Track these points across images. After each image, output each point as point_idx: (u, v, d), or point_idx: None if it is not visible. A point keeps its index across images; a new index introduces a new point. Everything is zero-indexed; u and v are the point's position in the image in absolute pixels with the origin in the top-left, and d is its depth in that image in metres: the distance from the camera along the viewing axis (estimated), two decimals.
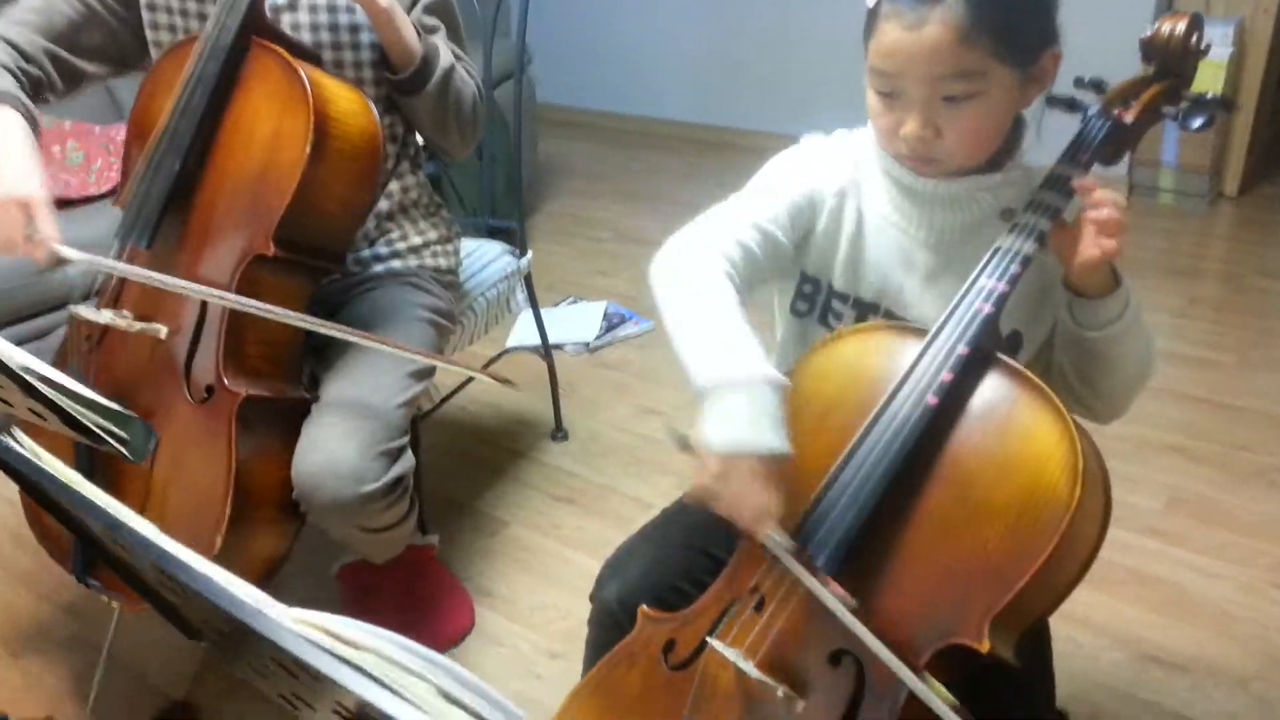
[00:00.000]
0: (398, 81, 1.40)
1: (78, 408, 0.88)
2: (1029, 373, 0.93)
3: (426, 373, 1.46)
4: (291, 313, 1.21)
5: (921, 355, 0.96)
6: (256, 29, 1.31)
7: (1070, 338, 1.05)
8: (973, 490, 0.92)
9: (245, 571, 1.28)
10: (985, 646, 0.87)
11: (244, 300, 1.20)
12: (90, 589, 1.36)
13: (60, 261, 1.24)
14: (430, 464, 1.84)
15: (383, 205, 1.53)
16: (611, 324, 2.71)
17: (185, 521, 1.28)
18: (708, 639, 0.97)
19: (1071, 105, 1.05)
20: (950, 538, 0.92)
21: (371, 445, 1.30)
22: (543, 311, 2.80)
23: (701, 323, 0.98)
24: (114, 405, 0.97)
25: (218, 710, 1.58)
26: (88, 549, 1.34)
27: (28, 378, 0.83)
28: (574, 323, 2.72)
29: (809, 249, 1.12)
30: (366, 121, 1.33)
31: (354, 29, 1.43)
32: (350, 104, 1.31)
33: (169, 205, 1.29)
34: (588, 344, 2.63)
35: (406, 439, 1.38)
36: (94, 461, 1.31)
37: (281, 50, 1.29)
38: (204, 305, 1.29)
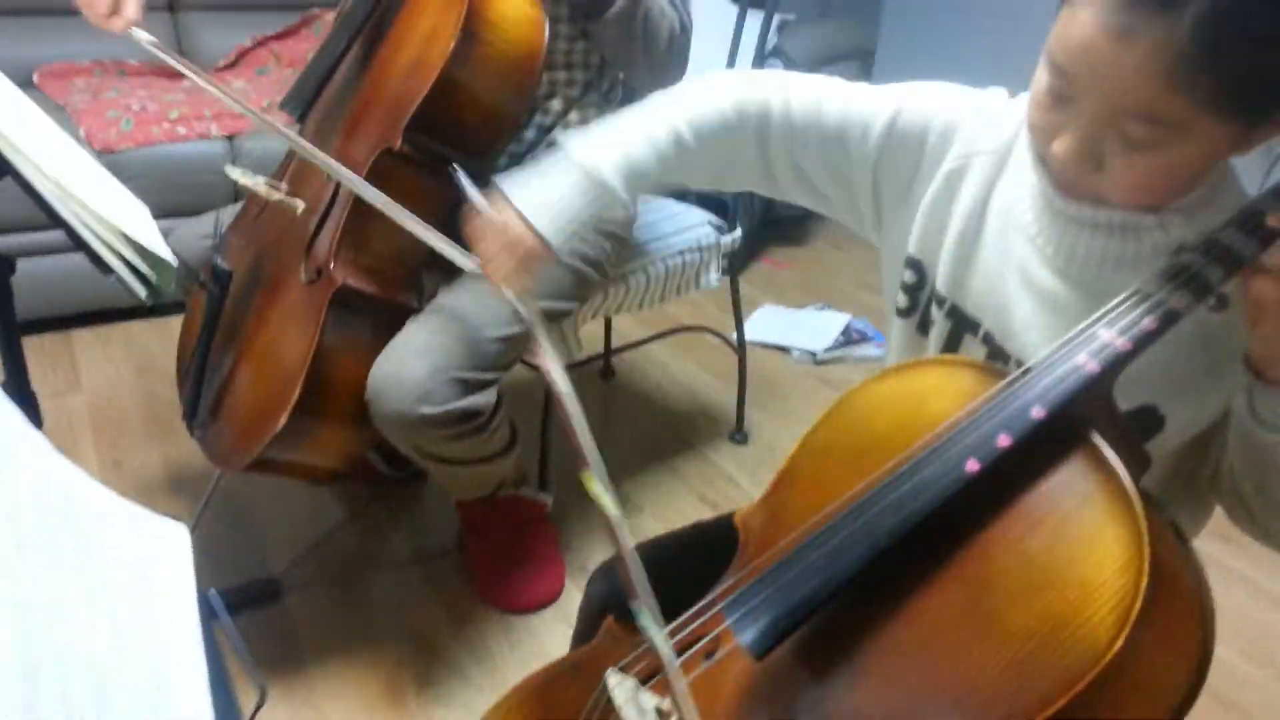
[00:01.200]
0: (578, 4, 1.32)
1: (98, 233, 0.88)
2: (1119, 466, 0.67)
3: (544, 315, 1.37)
4: (393, 204, 1.16)
5: (989, 408, 0.72)
6: None
7: (1246, 438, 0.76)
8: (987, 599, 0.67)
9: (307, 460, 1.30)
10: None
11: (353, 177, 1.16)
12: (194, 438, 1.42)
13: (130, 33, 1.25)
14: (594, 428, 1.77)
15: (559, 135, 1.46)
16: (850, 339, 2.48)
17: (264, 389, 1.30)
18: (608, 673, 0.80)
19: None
20: (941, 651, 0.68)
21: (447, 368, 1.24)
22: (784, 311, 2.67)
23: (637, 110, 0.93)
24: (154, 248, 0.98)
25: (302, 597, 1.61)
26: (196, 397, 1.39)
27: (50, 199, 0.84)
28: (811, 329, 2.53)
29: (909, 217, 0.89)
30: (530, 32, 1.25)
31: None
32: (516, 11, 1.25)
33: (327, 82, 1.29)
34: (815, 354, 2.43)
35: (495, 375, 1.30)
36: (218, 319, 1.36)
37: None
38: (336, 189, 1.29)
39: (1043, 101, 0.75)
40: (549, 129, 1.46)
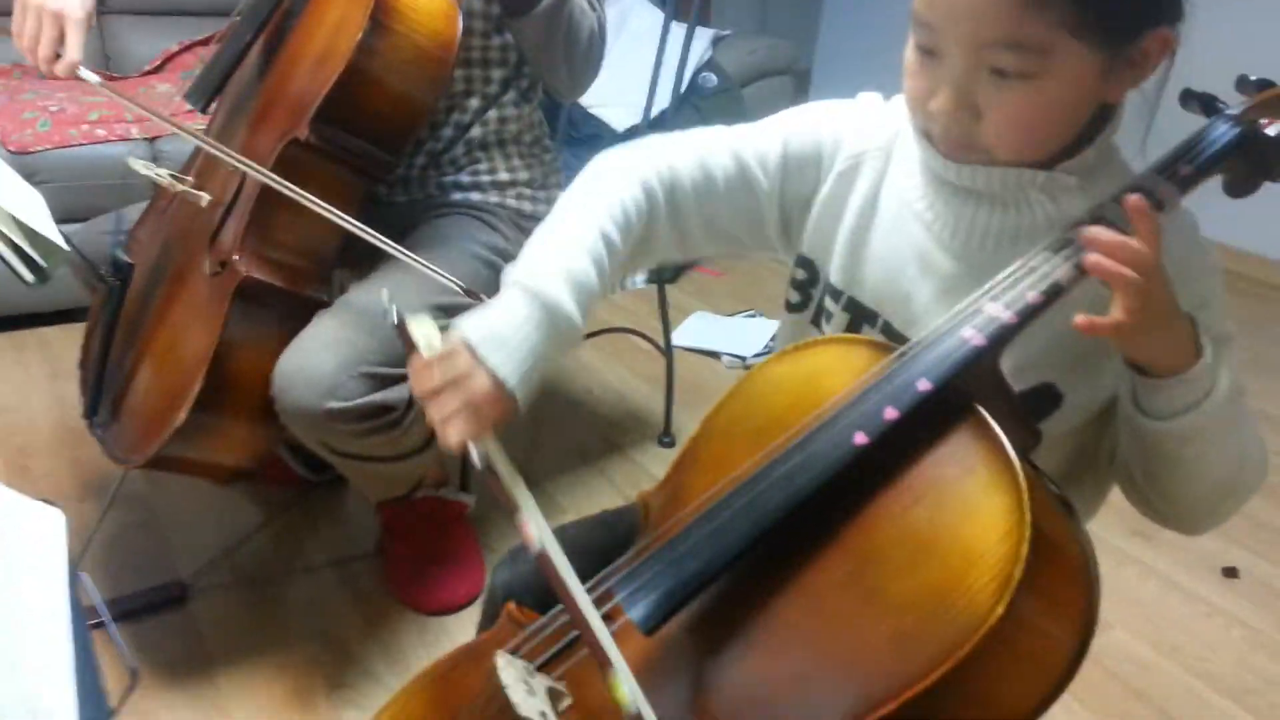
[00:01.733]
0: (504, 1, 1.31)
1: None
2: (1002, 437, 0.67)
3: (454, 309, 1.35)
4: (302, 193, 1.14)
5: (878, 382, 0.72)
6: None
7: (1131, 424, 0.77)
8: (872, 571, 0.67)
9: (210, 458, 1.27)
10: None
11: (253, 165, 1.14)
12: (94, 436, 1.37)
13: (80, 78, 1.23)
14: (518, 434, 1.76)
15: (476, 133, 1.45)
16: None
17: (165, 384, 1.26)
18: (497, 654, 0.78)
19: (1207, 105, 0.76)
20: (827, 624, 0.68)
21: (355, 362, 1.21)
22: (715, 318, 2.68)
23: (555, 223, 0.86)
24: (44, 231, 0.95)
25: (210, 600, 1.57)
26: (97, 393, 1.35)
27: None
28: (741, 335, 2.53)
29: (807, 220, 0.89)
30: (441, 24, 1.24)
31: None
32: (428, 2, 1.23)
33: (231, 74, 1.27)
34: (744, 359, 2.43)
35: (406, 370, 1.27)
36: (118, 312, 1.32)
37: None
38: (242, 181, 1.26)
39: (914, 67, 0.76)
40: (467, 127, 1.45)
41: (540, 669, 0.78)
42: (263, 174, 1.15)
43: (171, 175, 1.30)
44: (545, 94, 1.54)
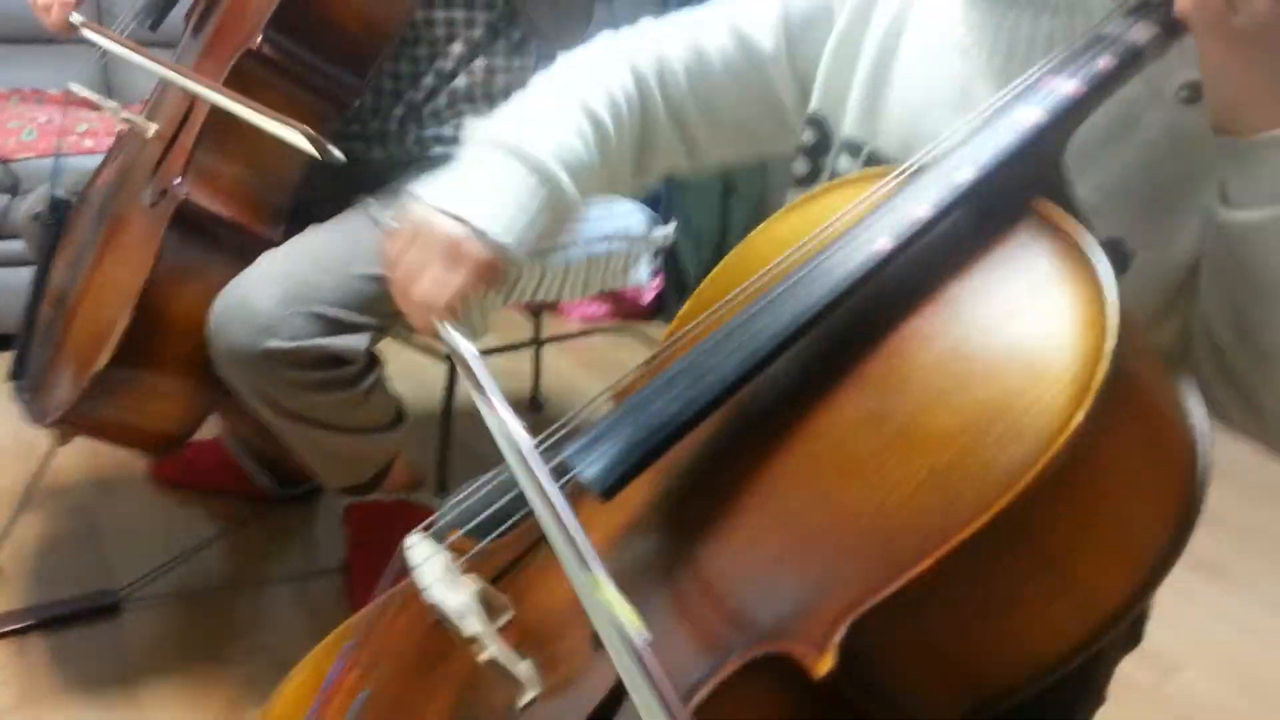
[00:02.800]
0: None
1: None
2: (1076, 227, 0.50)
3: None
4: (247, 100, 1.01)
5: (906, 187, 0.56)
6: None
7: (1219, 239, 0.59)
8: (902, 404, 0.50)
9: (128, 417, 1.11)
10: (823, 666, 0.44)
11: (196, 77, 1.01)
12: (19, 401, 1.22)
13: (71, 27, 1.14)
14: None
15: (461, 83, 1.32)
16: None
17: (87, 333, 1.11)
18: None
19: None
20: (840, 473, 0.50)
21: (300, 300, 1.06)
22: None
23: (531, 99, 0.75)
24: None
25: (144, 613, 1.38)
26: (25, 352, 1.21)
27: None
28: None
29: (817, 73, 0.74)
30: None
31: None
32: None
33: None
34: None
35: (367, 320, 1.12)
36: (51, 258, 1.18)
37: None
38: (190, 106, 1.13)
39: None
40: (450, 76, 1.32)
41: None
42: (199, 83, 1.03)
43: (117, 105, 1.17)
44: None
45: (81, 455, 1.72)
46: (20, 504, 1.29)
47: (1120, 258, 0.64)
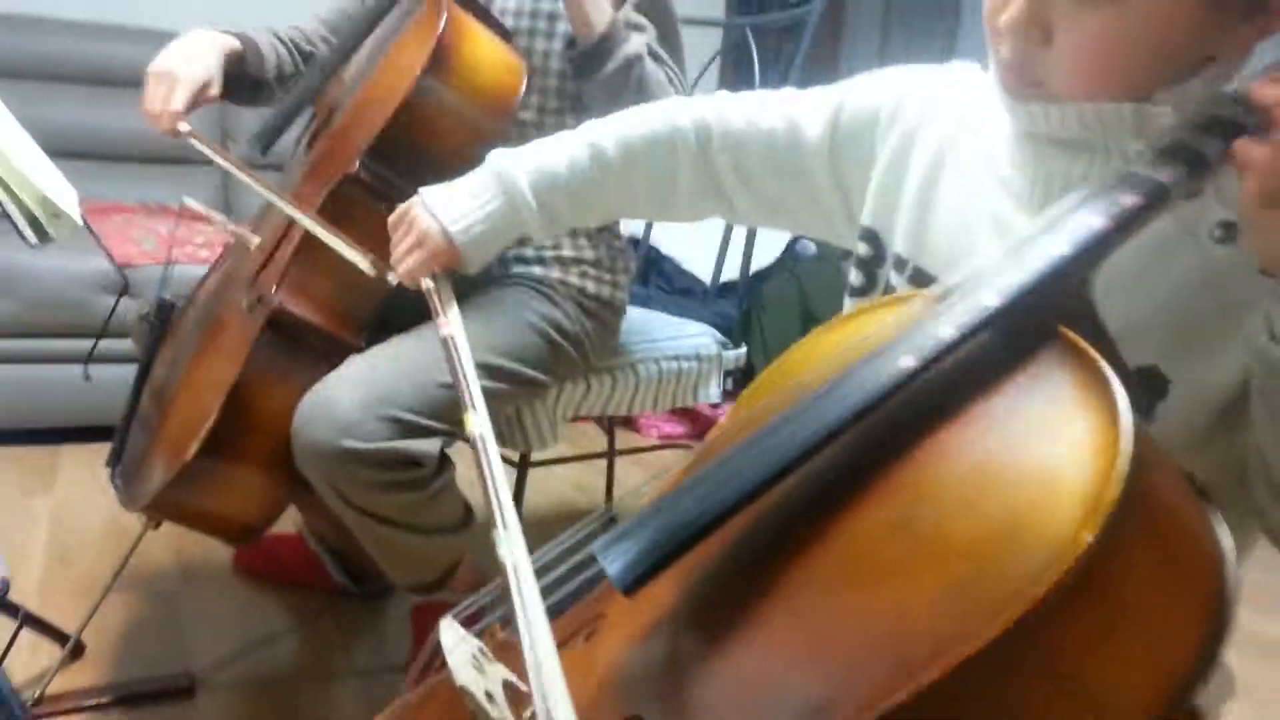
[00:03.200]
0: (572, 60, 1.29)
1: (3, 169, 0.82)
2: (1096, 356, 0.52)
3: (505, 374, 1.27)
4: (327, 225, 1.10)
5: (938, 310, 0.59)
6: None
7: (1270, 373, 0.60)
8: (924, 514, 0.51)
9: (212, 505, 1.17)
10: None
11: (282, 196, 1.10)
12: (113, 485, 1.30)
13: (177, 133, 1.25)
14: None
15: None
16: None
17: (179, 425, 1.19)
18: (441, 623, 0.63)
19: None
20: (863, 578, 0.51)
21: (379, 404, 1.12)
22: None
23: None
24: (58, 201, 0.92)
25: (217, 697, 1.42)
26: (123, 440, 1.29)
27: None
28: None
29: (869, 187, 0.78)
30: (504, 77, 1.23)
31: (552, 18, 1.36)
32: (493, 54, 1.23)
33: (294, 117, 1.27)
34: None
35: (441, 426, 1.17)
36: (153, 356, 1.28)
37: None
38: (290, 223, 1.22)
39: None
40: None
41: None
42: (283, 200, 1.12)
43: (225, 219, 1.28)
44: None
45: (170, 541, 1.81)
46: (109, 585, 1.35)
47: (1157, 384, 0.66)
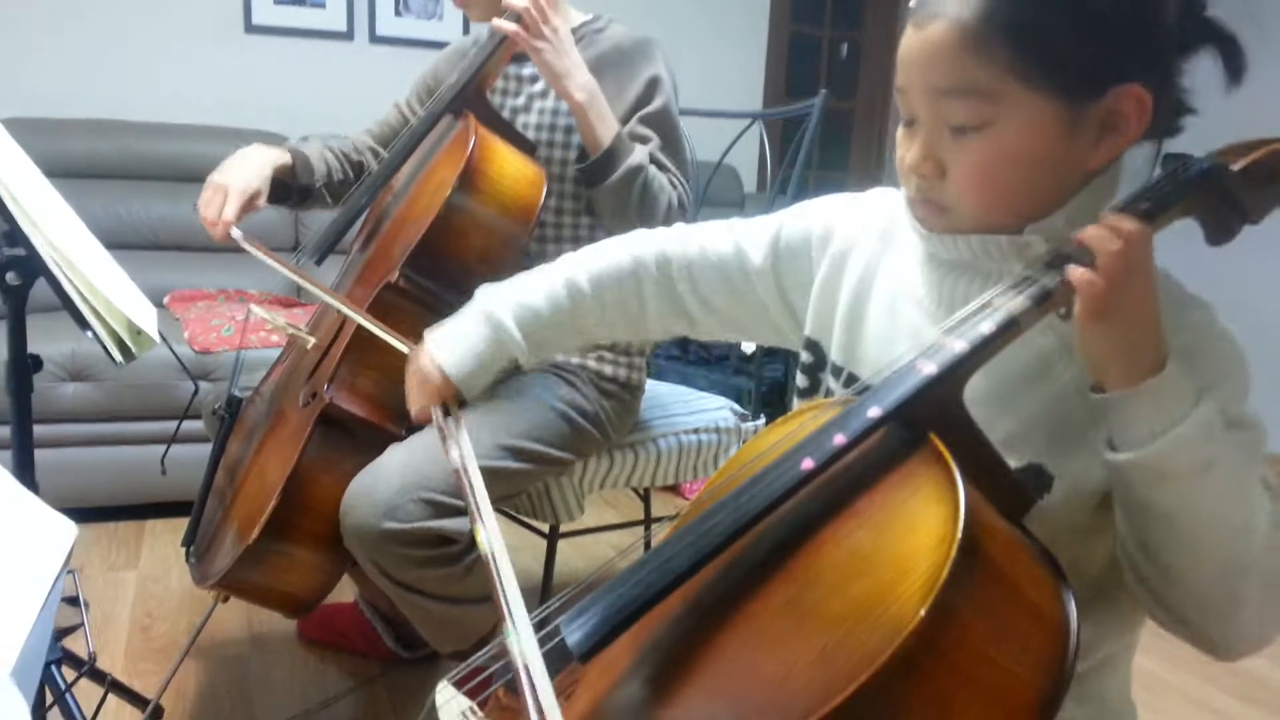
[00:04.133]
0: (581, 170, 1.45)
1: (84, 291, 0.99)
2: (949, 458, 0.64)
3: (529, 455, 1.40)
4: (376, 322, 1.25)
5: (836, 417, 0.71)
6: (473, 106, 1.45)
7: (1114, 475, 0.72)
8: (810, 593, 0.64)
9: (272, 582, 1.32)
10: None
11: (340, 299, 1.27)
12: (188, 563, 1.46)
13: (229, 238, 1.43)
14: None
15: None
16: None
17: (244, 510, 1.34)
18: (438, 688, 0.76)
19: (1177, 159, 0.75)
20: (762, 650, 0.64)
21: (416, 488, 1.27)
22: None
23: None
24: (139, 321, 1.09)
25: None
26: (196, 522, 1.46)
27: (48, 262, 0.97)
28: None
29: (808, 302, 0.91)
30: (526, 190, 1.38)
31: (569, 130, 1.52)
32: (516, 169, 1.38)
33: (343, 233, 1.44)
34: None
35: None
36: (224, 445, 1.45)
37: (473, 117, 1.40)
38: (341, 324, 1.39)
39: (899, 137, 0.79)
40: None
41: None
42: (349, 308, 1.28)
43: (286, 323, 1.45)
44: None
45: (241, 610, 1.98)
46: (184, 652, 1.51)
47: (1043, 480, 0.77)
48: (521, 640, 0.75)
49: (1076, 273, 0.66)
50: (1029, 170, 0.74)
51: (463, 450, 0.94)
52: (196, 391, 1.56)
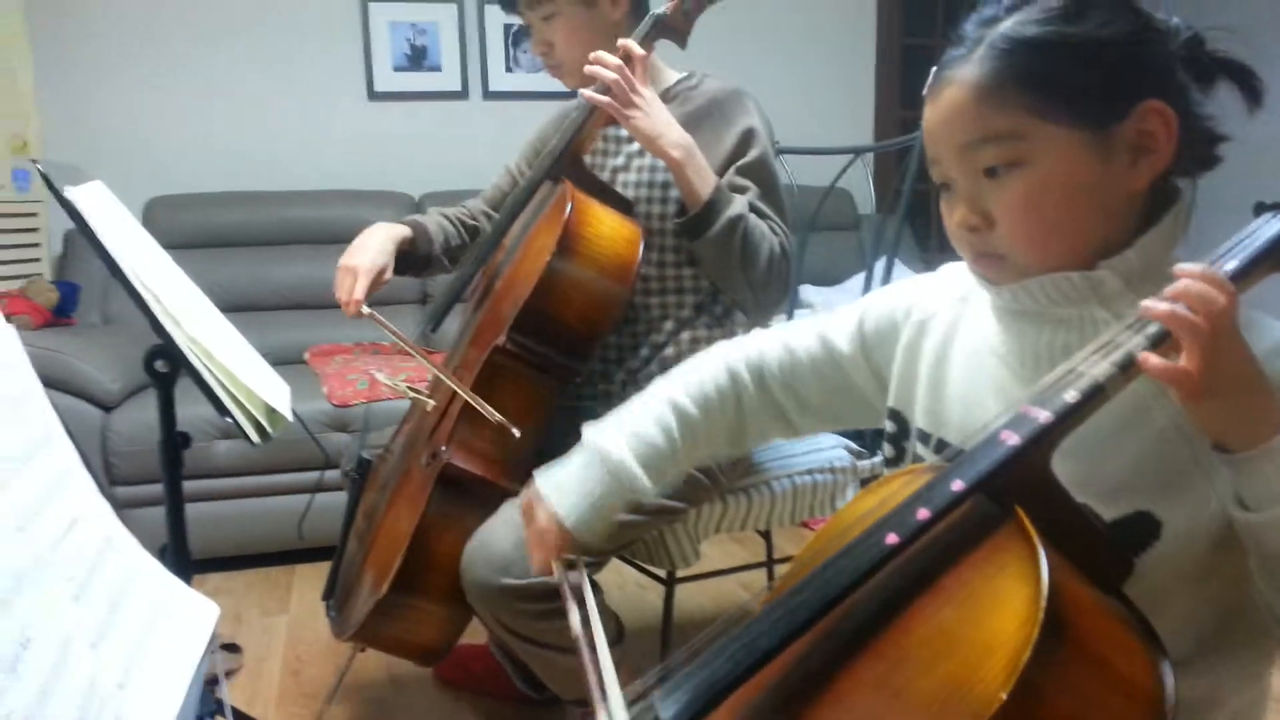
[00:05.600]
0: (682, 224, 1.48)
1: (222, 379, 1.08)
2: (1033, 533, 0.64)
3: (641, 507, 1.44)
4: (476, 399, 1.31)
5: (921, 490, 0.72)
6: (570, 172, 1.51)
7: (1244, 531, 0.71)
8: (900, 671, 0.65)
9: (402, 634, 1.39)
10: None
11: (450, 377, 1.34)
12: (328, 616, 1.55)
13: (361, 315, 1.52)
14: None
15: (669, 352, 1.58)
16: None
17: (376, 565, 1.42)
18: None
19: (1266, 208, 0.73)
20: None
21: None
22: None
23: (639, 396, 1.01)
24: (272, 401, 1.18)
25: None
26: (334, 577, 1.55)
27: (181, 343, 1.07)
28: None
29: (891, 376, 0.91)
30: (624, 249, 1.43)
31: (666, 186, 1.56)
32: (612, 230, 1.43)
33: (456, 300, 1.52)
34: None
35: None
36: (357, 504, 1.54)
37: (570, 184, 1.46)
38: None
39: (943, 209, 0.81)
40: (661, 347, 1.59)
41: None
42: (451, 381, 1.35)
43: (407, 385, 1.53)
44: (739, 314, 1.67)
45: (382, 655, 2.07)
46: (330, 695, 1.60)
47: (1151, 526, 0.75)
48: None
49: (1160, 365, 0.65)
50: (1071, 200, 0.74)
51: (589, 612, 0.87)
52: (324, 472, 1.66)
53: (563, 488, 0.96)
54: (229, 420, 1.09)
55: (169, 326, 1.05)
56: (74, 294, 2.97)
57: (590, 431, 0.99)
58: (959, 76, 0.74)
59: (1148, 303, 0.66)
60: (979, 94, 0.73)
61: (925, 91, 0.78)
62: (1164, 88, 0.73)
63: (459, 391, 1.34)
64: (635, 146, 1.60)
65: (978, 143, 0.74)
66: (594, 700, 0.76)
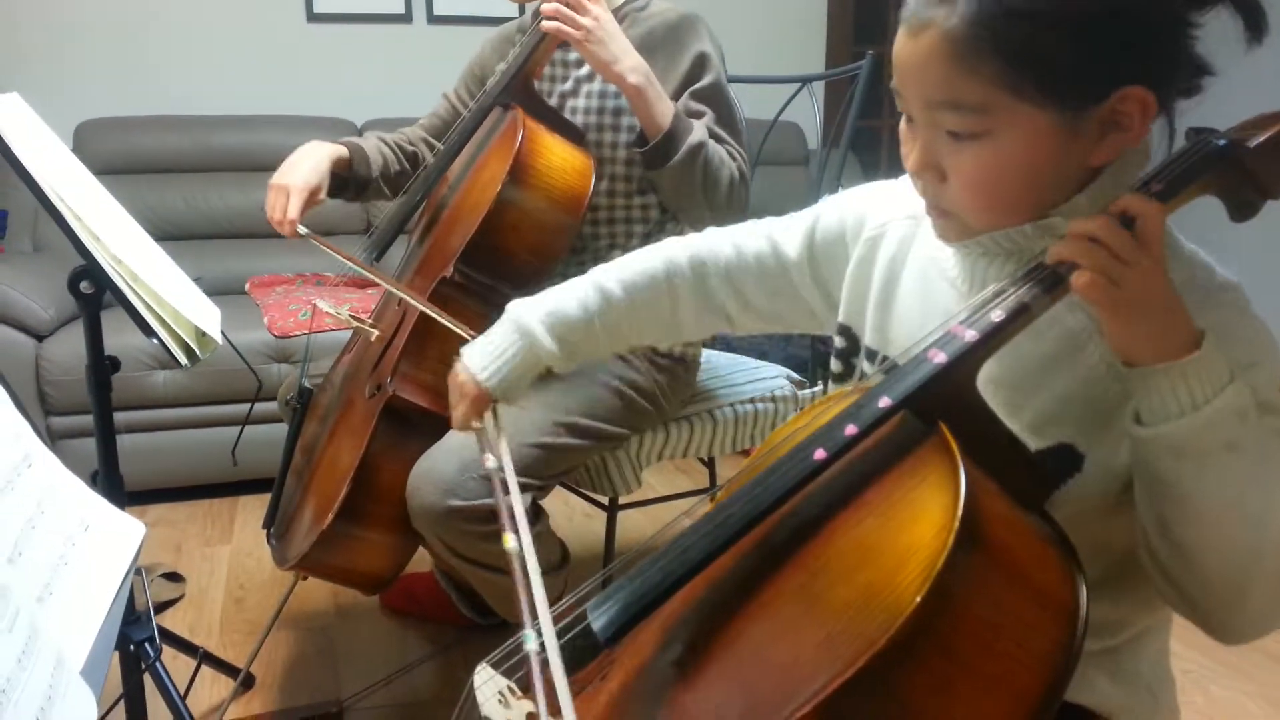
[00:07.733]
0: (643, 154, 1.46)
1: (148, 300, 1.06)
2: (954, 446, 0.65)
3: (584, 431, 1.44)
4: (446, 316, 1.30)
5: (851, 407, 0.73)
6: (520, 99, 1.48)
7: (1136, 453, 0.73)
8: (819, 581, 0.66)
9: (348, 561, 1.39)
10: None
11: (406, 290, 1.32)
12: (269, 545, 1.55)
13: (297, 235, 1.49)
14: None
15: None
16: None
17: (319, 495, 1.42)
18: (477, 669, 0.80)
19: (1199, 134, 0.73)
20: (773, 636, 0.67)
21: (475, 467, 1.32)
22: None
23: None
24: (202, 324, 1.16)
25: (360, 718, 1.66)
26: (275, 507, 1.54)
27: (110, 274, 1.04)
28: None
29: (841, 291, 0.92)
30: (575, 180, 1.41)
31: (617, 113, 1.53)
32: (564, 161, 1.41)
33: (400, 230, 1.49)
34: None
35: (531, 480, 1.37)
36: (298, 434, 1.52)
37: (520, 110, 1.43)
38: (402, 317, 1.44)
39: (903, 134, 0.79)
40: None
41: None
42: (410, 296, 1.33)
43: (350, 315, 1.51)
44: None
45: (326, 584, 2.08)
46: (270, 623, 1.61)
47: (1073, 459, 0.77)
48: (544, 637, 0.78)
49: (1076, 279, 0.66)
50: (1028, 177, 0.73)
51: (501, 459, 0.98)
52: (261, 387, 1.64)
53: (481, 350, 1.03)
54: (155, 342, 1.07)
55: (90, 245, 1.02)
56: (2, 220, 2.88)
57: (514, 303, 1.04)
58: (939, 19, 0.70)
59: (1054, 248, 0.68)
60: (954, 54, 0.69)
61: (903, 14, 0.75)
62: (1149, 70, 0.69)
63: (414, 302, 1.32)
64: (585, 71, 1.57)
65: (944, 105, 0.72)
66: (523, 613, 0.76)
